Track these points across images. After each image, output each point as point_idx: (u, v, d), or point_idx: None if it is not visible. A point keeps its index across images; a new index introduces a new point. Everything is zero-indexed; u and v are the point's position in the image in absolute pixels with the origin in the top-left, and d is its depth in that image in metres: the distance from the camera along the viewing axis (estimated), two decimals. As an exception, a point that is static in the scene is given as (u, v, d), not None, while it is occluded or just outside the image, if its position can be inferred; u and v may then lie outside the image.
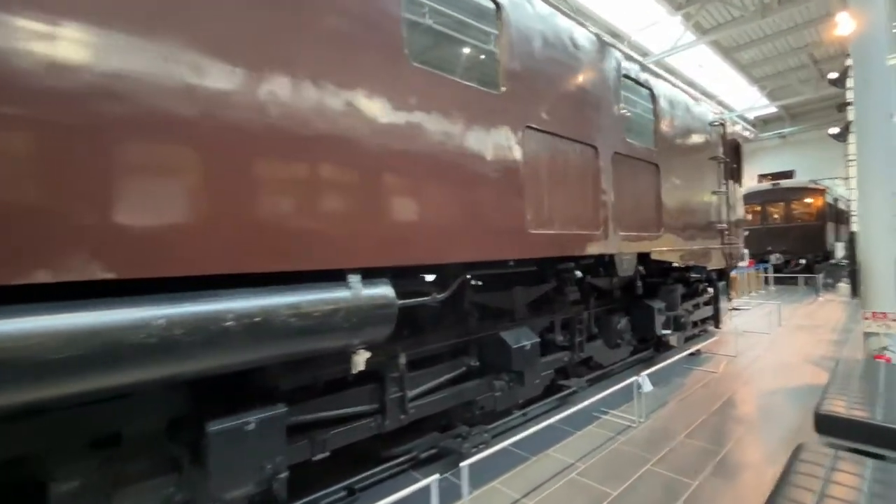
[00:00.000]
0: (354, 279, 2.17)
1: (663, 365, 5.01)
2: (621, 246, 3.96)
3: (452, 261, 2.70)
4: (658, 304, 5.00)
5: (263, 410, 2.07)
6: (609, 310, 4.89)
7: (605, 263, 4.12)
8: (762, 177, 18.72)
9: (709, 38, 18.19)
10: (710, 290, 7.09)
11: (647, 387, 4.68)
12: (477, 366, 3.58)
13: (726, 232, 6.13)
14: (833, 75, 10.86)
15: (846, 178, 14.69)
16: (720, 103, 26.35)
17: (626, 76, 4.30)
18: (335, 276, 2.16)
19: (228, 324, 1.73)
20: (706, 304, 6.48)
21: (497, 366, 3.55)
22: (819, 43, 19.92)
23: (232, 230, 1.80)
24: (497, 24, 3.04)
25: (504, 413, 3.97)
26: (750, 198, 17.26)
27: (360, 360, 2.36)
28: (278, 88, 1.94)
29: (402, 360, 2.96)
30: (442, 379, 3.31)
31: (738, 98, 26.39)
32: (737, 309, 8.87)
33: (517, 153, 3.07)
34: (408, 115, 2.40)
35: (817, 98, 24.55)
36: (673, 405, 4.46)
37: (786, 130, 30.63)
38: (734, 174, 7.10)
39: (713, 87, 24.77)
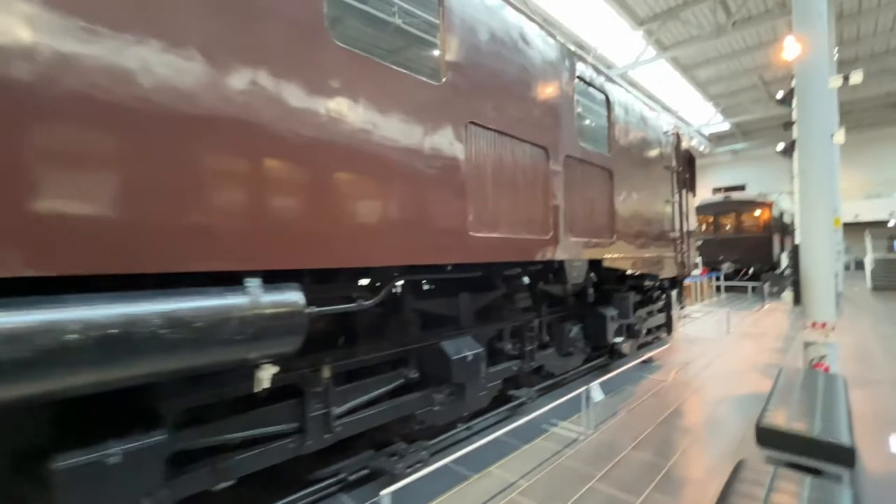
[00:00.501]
0: (253, 283, 1.87)
1: (615, 373, 4.94)
2: (572, 252, 3.83)
3: (380, 264, 2.44)
4: (611, 312, 4.93)
5: (134, 438, 1.73)
6: (562, 317, 4.77)
7: (555, 270, 3.98)
8: (716, 190, 19.58)
9: (669, 53, 18.90)
10: (664, 297, 7.19)
11: (598, 396, 4.58)
12: (416, 378, 3.33)
13: (679, 241, 6.19)
14: (780, 95, 11.41)
15: (791, 193, 15.60)
16: (679, 118, 27.56)
17: (581, 79, 4.21)
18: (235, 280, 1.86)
19: (72, 336, 1.40)
20: (659, 311, 6.52)
21: (437, 378, 3.32)
22: (768, 65, 21.13)
23: (88, 224, 1.47)
24: (440, 10, 2.83)
25: (448, 427, 3.74)
26: (703, 209, 17.98)
27: (266, 375, 2.06)
28: (153, 55, 1.62)
29: (326, 373, 2.67)
30: (374, 393, 3.03)
31: (696, 114, 27.64)
32: (689, 317, 9.05)
33: (458, 150, 2.86)
34: (326, 100, 2.13)
35: (767, 117, 26.09)
36: (622, 415, 4.37)
37: (738, 147, 32.36)
38: (688, 185, 7.24)
39: (673, 102, 25.84)
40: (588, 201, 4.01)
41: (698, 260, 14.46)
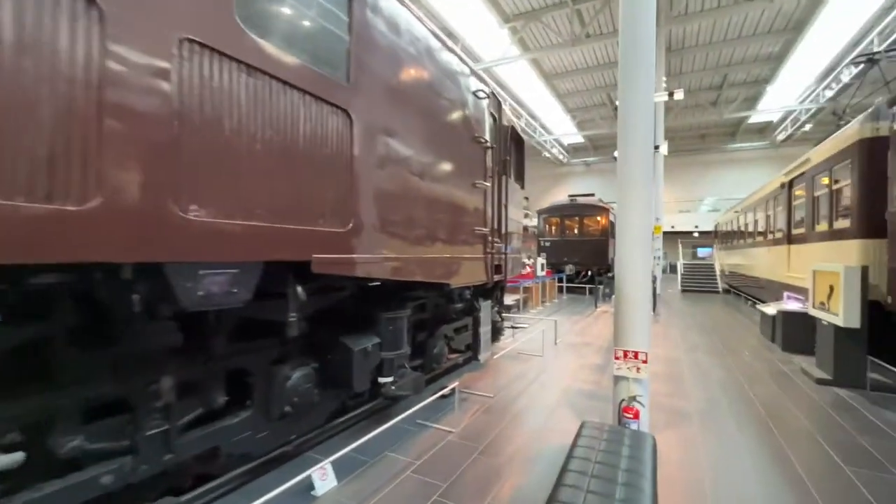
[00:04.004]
0: None
1: (387, 426, 3.26)
2: (200, 245, 1.89)
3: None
4: (364, 343, 3.19)
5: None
6: (277, 358, 2.87)
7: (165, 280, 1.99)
8: (571, 198, 20.39)
9: (530, 55, 18.89)
10: (493, 308, 5.88)
11: (326, 485, 2.80)
12: None
13: (493, 239, 4.84)
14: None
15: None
16: (542, 126, 28.82)
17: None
18: None
19: None
20: (464, 329, 5.14)
21: None
22: (615, 84, 22.82)
23: None
24: None
25: None
26: (551, 211, 18.42)
27: None
28: None
29: None
30: None
31: (557, 125, 29.21)
32: (516, 327, 8.17)
33: None
34: None
35: (612, 133, 28.77)
36: (363, 512, 2.65)
37: (590, 159, 35.66)
38: (512, 171, 6.04)
39: (537, 109, 26.79)
40: (276, 153, 2.13)
41: (542, 261, 14.44)
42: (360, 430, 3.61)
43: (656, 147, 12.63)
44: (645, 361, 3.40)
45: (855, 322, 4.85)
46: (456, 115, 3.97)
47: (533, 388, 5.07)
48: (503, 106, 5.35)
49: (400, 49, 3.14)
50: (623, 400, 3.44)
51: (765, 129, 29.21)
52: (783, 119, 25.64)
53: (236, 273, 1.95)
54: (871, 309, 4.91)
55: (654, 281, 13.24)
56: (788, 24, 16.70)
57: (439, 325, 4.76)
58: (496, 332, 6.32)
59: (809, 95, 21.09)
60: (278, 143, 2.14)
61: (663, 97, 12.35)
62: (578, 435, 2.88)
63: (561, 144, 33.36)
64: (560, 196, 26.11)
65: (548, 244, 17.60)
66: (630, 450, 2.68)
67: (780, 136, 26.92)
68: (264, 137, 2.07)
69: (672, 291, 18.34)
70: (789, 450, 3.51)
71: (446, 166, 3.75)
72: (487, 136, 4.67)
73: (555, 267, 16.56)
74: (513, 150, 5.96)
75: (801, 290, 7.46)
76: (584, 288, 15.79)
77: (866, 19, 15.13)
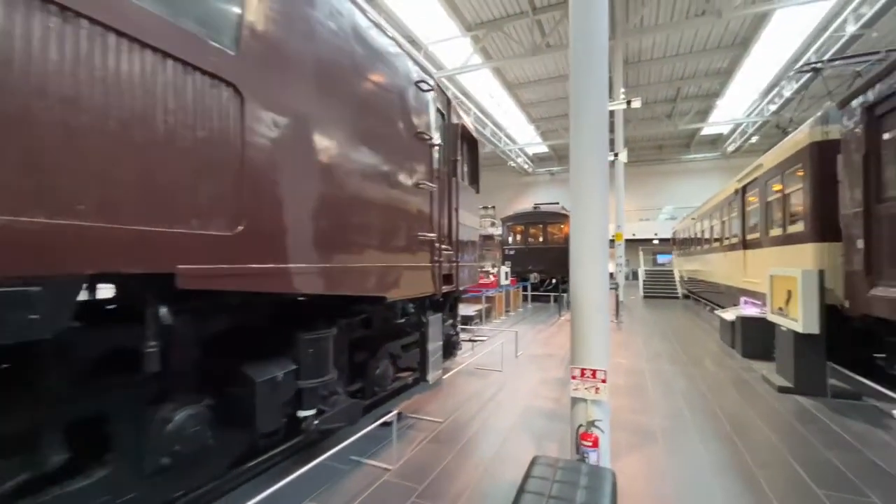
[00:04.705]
0: None
1: (302, 472, 2.69)
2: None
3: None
4: (275, 372, 2.64)
5: None
6: (155, 397, 2.27)
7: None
8: (535, 206, 20.38)
9: (493, 63, 18.87)
10: (446, 321, 5.41)
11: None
12: None
13: (441, 246, 4.39)
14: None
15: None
16: (508, 135, 28.99)
17: None
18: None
19: None
20: (414, 346, 4.64)
21: None
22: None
23: None
24: None
25: None
26: (515, 219, 18.31)
27: None
28: None
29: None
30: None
31: (522, 134, 29.46)
32: (475, 340, 7.75)
33: None
34: None
35: (574, 143, 29.31)
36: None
37: (554, 169, 36.23)
38: (469, 174, 5.66)
39: (502, 119, 26.93)
40: (112, 127, 1.57)
41: (506, 269, 14.18)
42: (278, 474, 3.03)
43: (616, 154, 12.70)
44: (604, 381, 3.02)
45: (814, 328, 4.72)
46: (393, 106, 3.52)
47: (488, 408, 4.63)
48: (453, 103, 4.96)
49: (315, 21, 2.67)
50: (581, 426, 3.03)
51: (716, 141, 30.63)
52: (732, 131, 26.94)
53: (36, 292, 1.39)
54: (828, 314, 4.81)
55: (616, 288, 13.23)
56: (735, 41, 17.50)
57: (383, 342, 4.24)
58: (451, 347, 5.85)
59: (755, 109, 22.22)
60: (116, 115, 1.60)
61: (622, 106, 12.47)
62: (528, 474, 2.44)
63: (526, 154, 33.73)
64: (526, 205, 26.21)
65: (512, 252, 17.41)
66: (587, 492, 2.26)
67: (731, 148, 28.27)
68: (91, 104, 1.53)
69: (634, 298, 18.55)
70: (758, 471, 3.22)
71: (380, 162, 3.28)
72: (433, 133, 4.25)
73: (519, 275, 16.35)
74: (465, 151, 5.57)
75: (757, 295, 7.44)
76: (549, 296, 15.64)
77: (803, 38, 16.04)
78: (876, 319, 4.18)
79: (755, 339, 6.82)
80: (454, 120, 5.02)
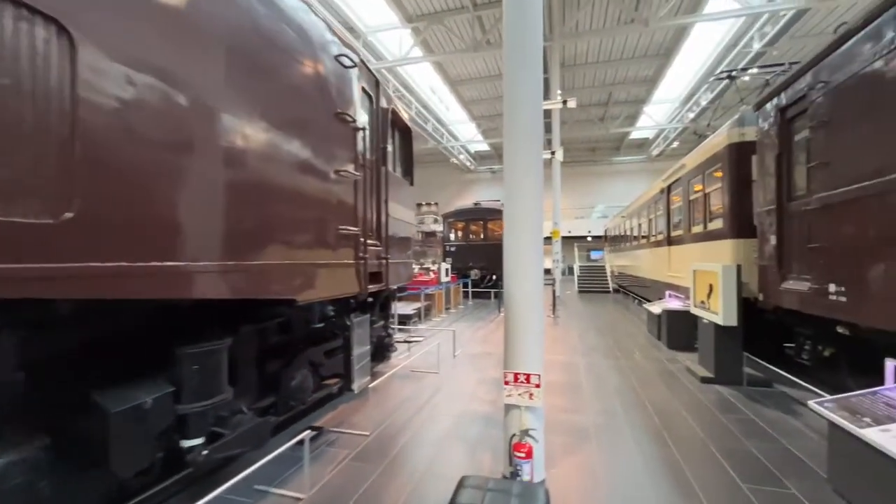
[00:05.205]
0: None
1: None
2: None
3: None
4: (141, 398, 2.10)
5: None
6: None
7: None
8: (476, 203, 20.40)
9: (433, 58, 18.56)
10: (377, 323, 4.99)
11: None
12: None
13: (368, 241, 3.97)
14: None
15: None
16: (450, 131, 28.87)
17: None
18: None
19: None
20: (340, 350, 4.19)
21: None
22: (515, 93, 23.51)
23: None
24: None
25: None
26: (457, 215, 18.22)
27: None
28: None
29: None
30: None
31: (464, 131, 29.48)
32: (410, 341, 7.41)
33: None
34: None
35: (514, 142, 29.93)
36: None
37: (496, 167, 36.81)
38: (402, 164, 5.27)
39: (445, 115, 26.75)
40: None
41: (447, 266, 13.99)
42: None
43: (553, 152, 12.95)
44: (538, 385, 2.80)
45: (734, 320, 4.94)
46: (302, 77, 3.04)
47: (421, 416, 4.30)
48: (382, 85, 4.54)
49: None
50: (514, 435, 2.80)
51: (643, 145, 32.82)
52: (657, 136, 28.97)
53: None
54: (744, 306, 5.06)
55: (553, 283, 13.54)
56: (660, 51, 18.69)
57: (301, 350, 3.75)
58: (383, 350, 5.46)
59: (676, 116, 24.03)
60: None
61: (558, 105, 12.73)
62: (454, 500, 2.14)
63: (468, 151, 33.88)
64: (468, 202, 26.24)
65: (453, 249, 17.28)
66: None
67: (655, 151, 30.42)
68: None
69: (570, 292, 19.25)
70: (687, 467, 3.19)
71: (286, 141, 2.79)
72: (358, 116, 3.81)
73: (460, 272, 16.25)
74: (397, 139, 5.18)
75: (681, 289, 7.83)
76: (490, 292, 15.70)
77: (717, 53, 17.49)
78: (786, 311, 4.42)
79: (679, 331, 7.15)
80: (384, 104, 4.61)
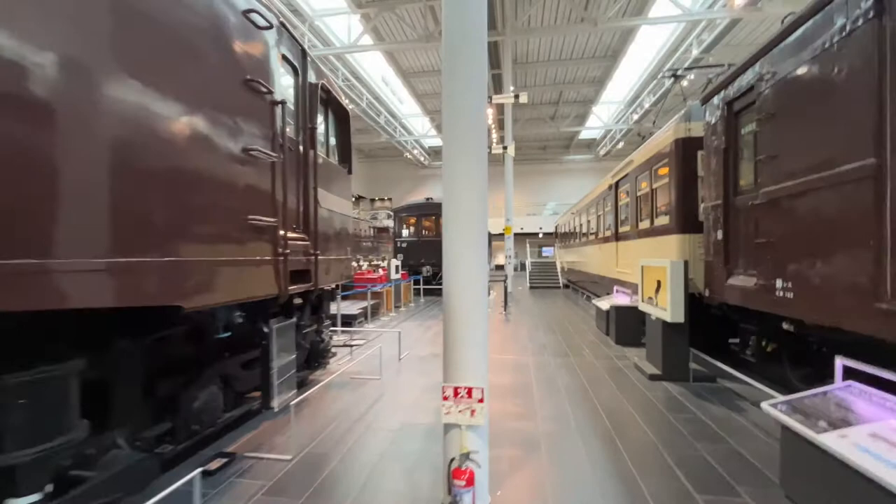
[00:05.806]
0: None
1: None
2: None
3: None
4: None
5: None
6: None
7: None
8: (428, 198, 19.96)
9: (384, 46, 17.85)
10: (308, 327, 4.41)
11: None
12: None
13: (289, 234, 3.42)
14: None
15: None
16: (403, 125, 28.16)
17: None
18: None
19: None
20: (254, 364, 3.61)
21: None
22: (468, 87, 23.28)
23: None
24: None
25: None
26: (409, 210, 17.71)
27: None
28: None
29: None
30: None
31: (418, 126, 28.91)
32: (351, 345, 6.88)
33: None
34: None
35: (468, 138, 29.80)
36: None
37: (450, 163, 36.54)
38: (339, 150, 4.72)
39: (399, 108, 26.03)
40: None
41: (397, 262, 13.48)
42: None
43: (505, 147, 12.79)
44: (481, 400, 2.43)
45: (681, 317, 4.88)
46: (198, 35, 2.45)
47: (355, 432, 3.82)
48: (310, 56, 3.97)
49: None
50: (453, 460, 2.41)
51: (591, 144, 33.90)
52: (604, 136, 29.96)
53: None
54: (690, 302, 5.02)
55: (505, 280, 13.43)
56: (608, 53, 19.17)
57: (206, 364, 3.14)
58: (318, 357, 4.90)
59: (622, 117, 24.92)
60: None
61: (510, 99, 12.58)
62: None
63: (422, 146, 33.36)
64: (423, 198, 25.75)
65: (404, 245, 16.76)
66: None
67: (602, 151, 31.48)
68: None
69: (522, 288, 19.38)
70: (641, 479, 2.97)
71: (166, 105, 2.20)
72: (276, 88, 3.24)
73: (412, 268, 15.78)
74: (332, 121, 4.62)
75: (629, 285, 7.86)
76: (442, 290, 15.36)
77: (659, 57, 18.21)
78: (732, 307, 4.39)
79: (627, 327, 7.15)
80: (313, 78, 4.04)
